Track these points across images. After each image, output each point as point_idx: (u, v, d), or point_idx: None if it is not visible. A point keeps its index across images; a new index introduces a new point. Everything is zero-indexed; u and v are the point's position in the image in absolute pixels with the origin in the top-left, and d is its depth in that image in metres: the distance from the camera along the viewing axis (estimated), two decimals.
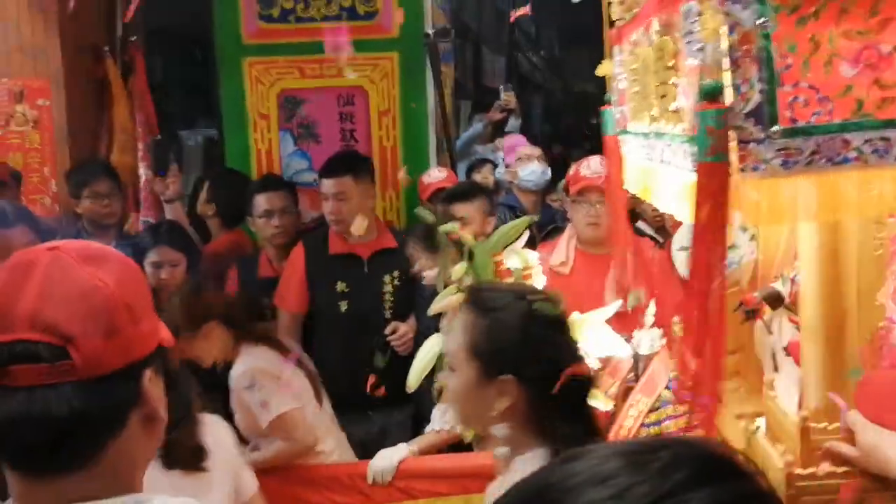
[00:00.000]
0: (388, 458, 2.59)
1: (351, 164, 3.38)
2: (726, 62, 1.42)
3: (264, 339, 2.81)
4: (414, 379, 1.84)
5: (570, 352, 1.42)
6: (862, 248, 1.74)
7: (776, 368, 2.29)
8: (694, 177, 1.43)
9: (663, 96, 1.79)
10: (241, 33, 3.98)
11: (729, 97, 1.41)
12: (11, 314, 0.90)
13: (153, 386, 0.97)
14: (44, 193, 4.02)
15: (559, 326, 1.43)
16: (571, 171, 3.37)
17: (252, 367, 2.67)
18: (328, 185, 3.33)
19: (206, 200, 3.94)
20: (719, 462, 0.58)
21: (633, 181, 2.28)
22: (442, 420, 2.66)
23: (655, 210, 4.00)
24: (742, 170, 1.44)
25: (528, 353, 1.38)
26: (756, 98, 1.41)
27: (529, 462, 1.35)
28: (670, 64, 1.71)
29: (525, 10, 3.15)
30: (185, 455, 1.94)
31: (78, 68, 4.13)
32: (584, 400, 1.41)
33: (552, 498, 0.58)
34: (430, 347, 1.83)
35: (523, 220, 1.98)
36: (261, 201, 3.52)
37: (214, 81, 4.10)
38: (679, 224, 3.49)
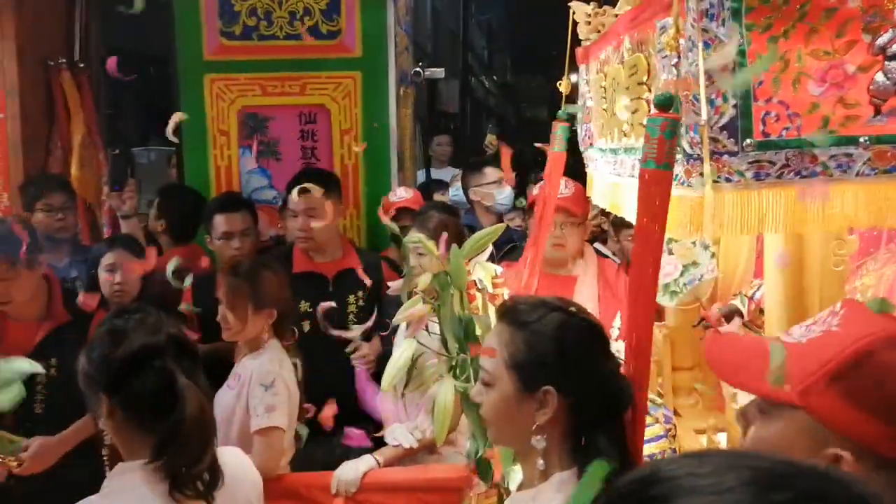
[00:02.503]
0: (353, 469, 2.56)
1: (322, 179, 3.36)
2: (700, 77, 1.47)
3: (290, 347, 2.80)
4: (386, 383, 1.83)
5: (608, 362, 1.41)
6: (824, 263, 1.80)
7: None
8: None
9: (635, 111, 1.83)
10: (203, 50, 3.95)
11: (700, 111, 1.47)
12: None
13: None
14: None
15: (597, 337, 1.42)
16: (534, 193, 3.39)
17: (277, 369, 2.64)
18: (299, 200, 3.30)
19: (155, 216, 3.89)
20: None
21: (601, 196, 2.32)
22: (407, 438, 2.64)
23: (629, 238, 4.06)
24: (716, 181, 1.48)
25: (568, 363, 1.37)
26: (730, 112, 1.46)
27: (566, 482, 1.35)
28: (643, 80, 1.76)
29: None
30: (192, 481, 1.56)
31: (34, 81, 4.05)
32: (621, 413, 1.39)
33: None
34: (402, 353, 1.83)
35: (496, 228, 1.99)
36: (220, 222, 3.45)
37: (175, 97, 4.06)
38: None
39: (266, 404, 2.56)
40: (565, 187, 3.14)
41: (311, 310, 3.17)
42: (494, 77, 13.10)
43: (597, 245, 4.18)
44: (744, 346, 1.27)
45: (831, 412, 1.07)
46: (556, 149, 2.52)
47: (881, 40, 1.46)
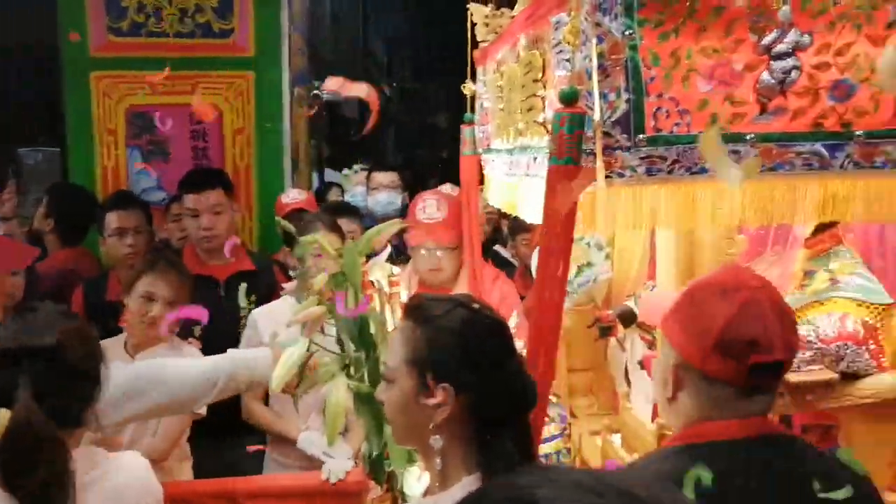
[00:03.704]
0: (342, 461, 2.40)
1: (220, 177, 3.24)
2: (593, 72, 1.47)
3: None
4: (276, 383, 1.75)
5: (512, 361, 1.35)
6: (715, 262, 1.83)
7: (629, 384, 2.37)
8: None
9: (530, 109, 1.82)
10: (89, 46, 3.78)
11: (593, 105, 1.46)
12: None
13: None
14: None
15: (500, 334, 1.37)
16: (409, 214, 3.17)
17: None
18: (201, 198, 3.14)
19: (43, 215, 3.65)
20: None
21: (497, 197, 2.32)
22: (312, 446, 2.55)
23: (524, 242, 4.08)
24: (608, 176, 1.48)
25: (467, 360, 1.32)
26: (623, 107, 1.46)
27: (464, 490, 1.29)
28: (538, 77, 1.75)
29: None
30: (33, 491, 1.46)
31: None
32: (525, 414, 1.35)
33: None
34: (292, 353, 1.75)
35: (391, 223, 1.94)
36: (113, 219, 3.27)
37: (59, 95, 3.86)
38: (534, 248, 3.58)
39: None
40: (437, 210, 3.01)
41: None
42: (394, 84, 13.05)
43: (497, 247, 4.20)
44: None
45: (672, 335, 1.43)
46: (466, 152, 2.51)
47: (766, 40, 1.49)
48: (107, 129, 3.83)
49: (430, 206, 3.03)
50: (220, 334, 2.96)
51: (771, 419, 1.47)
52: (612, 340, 2.46)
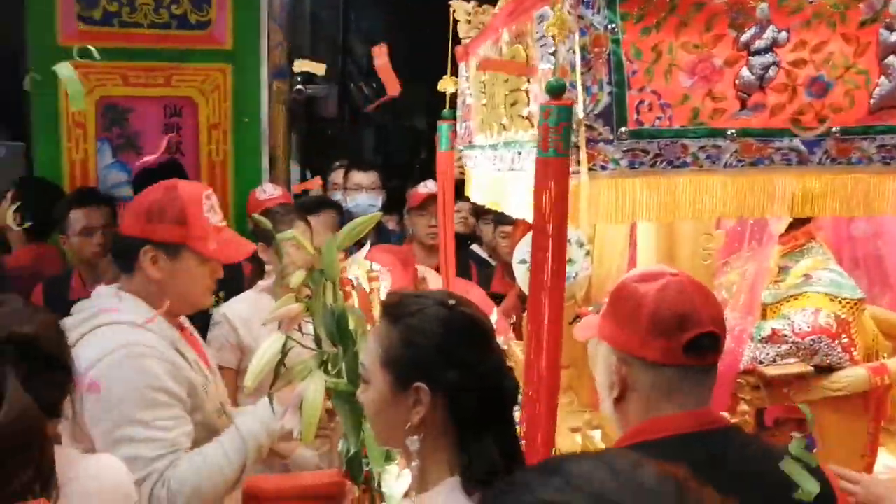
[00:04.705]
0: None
1: (180, 172, 3.19)
2: (577, 65, 1.47)
3: None
4: (251, 380, 1.73)
5: (490, 358, 1.32)
6: (693, 257, 1.84)
7: None
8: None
9: (514, 104, 1.82)
10: (57, 34, 3.70)
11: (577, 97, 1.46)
12: None
13: None
14: None
15: (477, 331, 1.33)
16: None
17: None
18: None
19: (8, 211, 3.58)
20: None
21: (480, 193, 2.30)
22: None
23: (502, 234, 4.09)
24: (591, 169, 1.48)
25: (442, 359, 1.28)
26: (605, 100, 1.46)
27: (454, 491, 1.27)
28: None
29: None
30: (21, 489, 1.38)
31: None
32: (504, 414, 1.32)
33: None
34: (268, 347, 1.73)
35: (371, 217, 1.93)
36: (78, 217, 3.22)
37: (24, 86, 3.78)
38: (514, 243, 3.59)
39: None
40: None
41: None
42: (374, 84, 13.01)
43: (473, 247, 4.20)
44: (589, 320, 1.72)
45: (607, 333, 1.48)
46: (442, 148, 2.50)
47: (745, 36, 1.50)
48: (75, 121, 3.76)
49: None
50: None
51: (714, 412, 1.51)
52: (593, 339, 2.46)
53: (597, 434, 2.08)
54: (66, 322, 1.94)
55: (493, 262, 4.05)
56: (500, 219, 3.72)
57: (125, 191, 3.78)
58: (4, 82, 4.78)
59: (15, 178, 4.35)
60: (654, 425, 1.39)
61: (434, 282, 2.93)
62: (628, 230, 2.43)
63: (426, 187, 3.63)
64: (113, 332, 1.87)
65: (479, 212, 4.18)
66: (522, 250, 2.45)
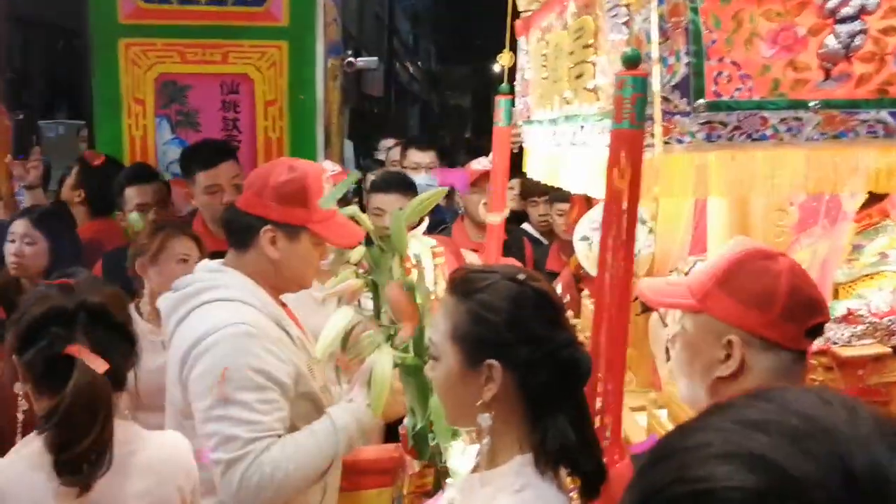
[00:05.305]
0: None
1: (231, 149, 3.20)
2: (653, 35, 1.43)
3: None
4: (321, 352, 1.73)
5: (561, 333, 1.29)
6: (766, 234, 1.80)
7: (669, 359, 2.34)
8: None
9: (579, 76, 1.78)
10: (118, 12, 3.73)
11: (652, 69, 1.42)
12: None
13: None
14: None
15: (548, 305, 1.30)
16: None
17: None
18: (221, 172, 3.08)
19: (73, 186, 3.64)
20: None
21: (537, 169, 2.27)
22: None
23: (543, 214, 4.06)
24: (666, 142, 1.44)
25: (514, 335, 1.26)
26: (682, 71, 1.42)
27: (525, 467, 1.26)
28: (589, 42, 1.70)
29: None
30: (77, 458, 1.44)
31: None
32: (577, 390, 1.29)
33: None
34: (337, 321, 1.73)
35: (438, 191, 1.91)
36: (133, 194, 3.23)
37: (86, 65, 3.83)
38: (573, 223, 3.55)
39: None
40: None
41: None
42: (419, 63, 13.03)
43: (525, 225, 4.16)
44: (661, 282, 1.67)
45: (723, 309, 1.37)
46: (500, 123, 2.46)
47: (831, 3, 1.44)
48: (135, 98, 3.79)
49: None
50: None
51: None
52: (654, 316, 2.42)
53: (663, 413, 2.04)
54: (169, 298, 1.96)
55: (544, 241, 4.02)
56: (557, 196, 3.68)
57: None
58: (66, 61, 4.86)
59: (75, 155, 4.44)
60: None
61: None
62: (692, 206, 2.39)
63: (480, 164, 3.60)
64: (219, 310, 1.85)
65: (525, 193, 4.15)
66: (584, 227, 2.42)
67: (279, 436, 1.79)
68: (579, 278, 3.29)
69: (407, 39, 12.21)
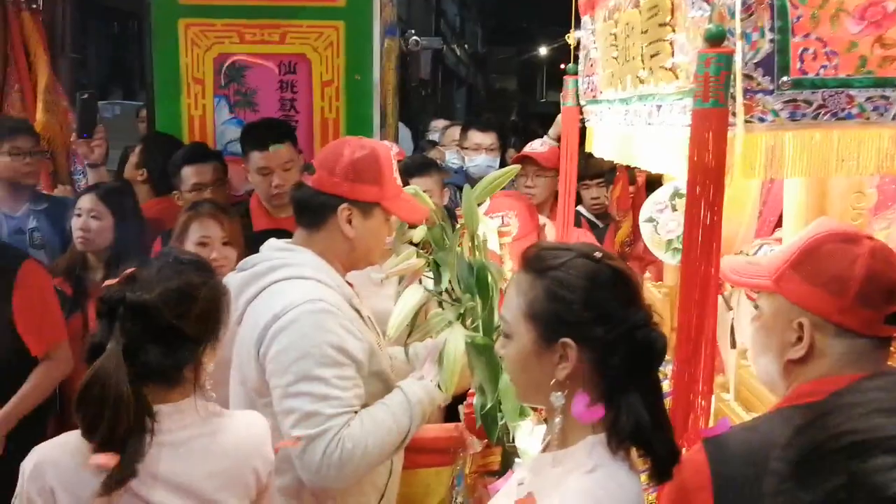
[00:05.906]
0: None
1: (288, 131, 3.23)
2: (736, 11, 1.40)
3: None
4: (393, 330, 1.74)
5: (637, 312, 1.27)
6: (843, 216, 1.75)
7: (733, 345, 2.30)
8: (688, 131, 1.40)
9: (654, 55, 1.75)
10: None
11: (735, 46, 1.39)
12: None
13: None
14: None
15: (623, 284, 1.28)
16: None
17: None
18: (273, 155, 3.14)
19: (136, 165, 3.71)
20: None
21: (607, 149, 2.25)
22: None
23: (595, 197, 4.03)
24: (748, 121, 1.41)
25: (589, 314, 1.25)
26: (766, 47, 1.39)
27: (597, 446, 1.26)
28: (665, 20, 1.68)
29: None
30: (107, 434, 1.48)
31: None
32: (651, 371, 1.28)
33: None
34: (409, 299, 1.73)
35: (511, 169, 1.90)
36: (190, 174, 3.28)
37: (147, 43, 3.88)
38: (627, 205, 3.51)
39: None
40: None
41: None
42: (466, 46, 12.96)
43: (580, 207, 4.13)
44: (741, 260, 1.65)
45: (796, 291, 1.37)
46: (568, 103, 2.45)
47: None
48: (194, 78, 3.84)
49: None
50: None
51: None
52: (718, 298, 2.39)
53: (729, 396, 2.02)
54: (237, 277, 1.97)
55: (599, 223, 3.99)
56: (612, 178, 3.66)
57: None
58: (126, 42, 4.94)
59: (131, 136, 4.51)
60: (824, 385, 1.33)
61: (551, 230, 2.91)
62: (759, 189, 2.34)
63: (531, 147, 3.61)
64: (293, 287, 1.86)
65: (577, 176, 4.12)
66: (649, 208, 2.39)
67: (356, 412, 1.80)
68: (625, 257, 3.27)
69: (454, 22, 12.16)
